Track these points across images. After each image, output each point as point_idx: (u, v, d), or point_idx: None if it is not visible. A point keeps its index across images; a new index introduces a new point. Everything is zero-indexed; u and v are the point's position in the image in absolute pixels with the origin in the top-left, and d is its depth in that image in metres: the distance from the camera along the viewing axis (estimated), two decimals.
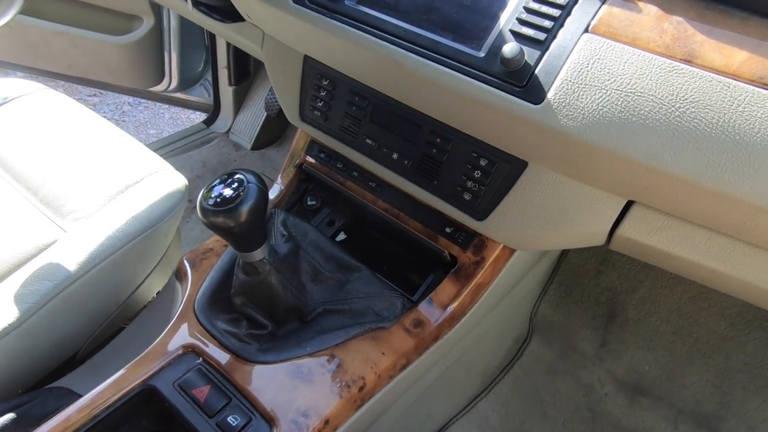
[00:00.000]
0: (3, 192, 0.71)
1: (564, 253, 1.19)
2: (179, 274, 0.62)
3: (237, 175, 0.45)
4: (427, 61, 0.53)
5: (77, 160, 0.75)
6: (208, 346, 0.52)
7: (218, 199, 0.43)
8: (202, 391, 0.47)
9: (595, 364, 1.10)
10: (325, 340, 0.57)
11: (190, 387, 0.48)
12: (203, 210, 0.43)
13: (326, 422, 0.49)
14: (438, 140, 0.61)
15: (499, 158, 0.57)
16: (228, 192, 0.43)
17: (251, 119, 1.67)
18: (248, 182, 0.44)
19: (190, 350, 0.52)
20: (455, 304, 0.65)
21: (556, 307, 1.17)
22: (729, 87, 0.41)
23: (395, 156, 0.66)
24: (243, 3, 0.69)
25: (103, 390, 0.47)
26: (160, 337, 0.52)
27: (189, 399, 0.47)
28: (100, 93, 2.52)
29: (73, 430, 0.43)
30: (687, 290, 1.09)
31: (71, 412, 0.44)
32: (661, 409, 1.03)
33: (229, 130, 1.70)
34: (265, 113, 1.60)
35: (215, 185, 0.44)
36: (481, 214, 0.61)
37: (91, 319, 0.62)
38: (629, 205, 0.53)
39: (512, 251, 0.67)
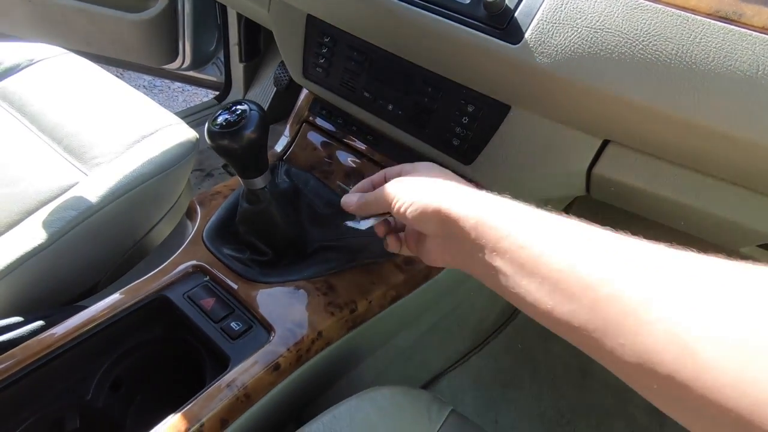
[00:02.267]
0: (31, 141, 0.77)
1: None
2: (189, 212, 0.68)
3: (240, 105, 0.50)
4: (417, 9, 0.57)
5: (98, 115, 0.81)
6: (214, 268, 0.57)
7: (224, 123, 0.48)
8: (209, 302, 0.53)
9: None
10: (321, 269, 0.62)
11: (198, 298, 0.53)
12: (210, 133, 0.49)
13: (319, 334, 0.54)
14: (429, 89, 0.66)
15: (484, 103, 0.62)
16: (231, 117, 0.48)
17: (261, 95, 1.72)
18: (250, 110, 0.49)
19: (198, 270, 0.57)
20: None
21: None
22: (688, 21, 0.44)
23: (390, 107, 0.70)
24: None
25: (120, 297, 0.52)
26: (173, 257, 0.57)
27: (197, 308, 0.52)
28: (120, 74, 2.61)
29: (92, 326, 0.49)
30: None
31: (93, 312, 0.50)
32: None
33: None
34: (275, 89, 1.66)
35: (220, 113, 0.49)
36: (468, 159, 0.65)
37: (110, 251, 0.68)
38: (605, 145, 0.57)
39: None
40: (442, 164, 0.69)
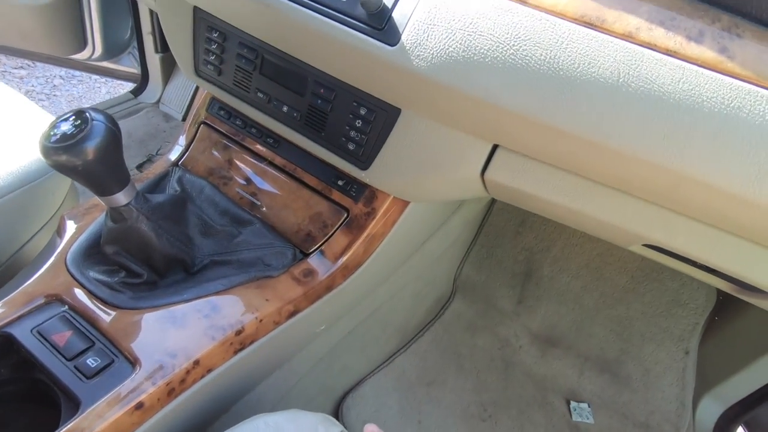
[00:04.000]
0: None
1: (485, 217, 1.24)
2: (59, 230, 0.61)
3: (84, 113, 0.43)
4: (294, 4, 0.53)
5: None
6: (74, 295, 0.51)
7: (59, 136, 0.42)
8: (63, 336, 0.47)
9: (512, 319, 1.16)
10: (205, 287, 0.57)
11: (50, 333, 0.47)
12: (44, 149, 0.42)
13: (196, 362, 0.50)
14: (322, 91, 0.62)
15: (377, 107, 0.59)
16: (68, 128, 0.42)
17: (182, 89, 1.61)
18: (93, 119, 0.43)
19: (54, 299, 0.51)
20: (347, 256, 0.67)
21: (479, 267, 1.21)
22: (555, 25, 0.43)
23: (285, 109, 0.66)
24: None
25: None
26: (23, 287, 0.50)
27: (47, 344, 0.46)
28: (29, 65, 2.37)
29: None
30: (595, 247, 1.16)
31: None
32: (569, 358, 1.11)
33: (158, 101, 1.63)
34: None
35: (58, 122, 0.43)
36: (365, 164, 0.62)
37: None
38: (495, 150, 0.56)
39: (405, 203, 0.69)
40: (343, 171, 0.66)
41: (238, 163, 0.74)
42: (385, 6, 0.49)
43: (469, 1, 0.45)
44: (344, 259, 0.67)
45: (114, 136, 0.44)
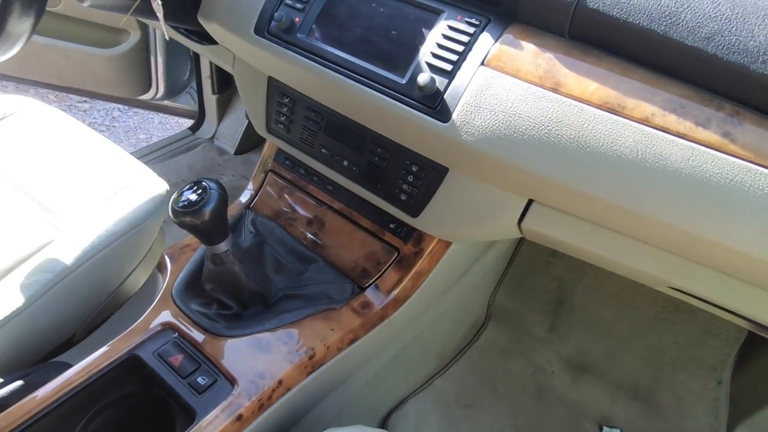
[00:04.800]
0: (6, 198, 0.81)
1: (517, 248, 1.31)
2: (160, 267, 0.73)
3: (202, 183, 0.56)
4: (361, 86, 0.64)
5: (71, 169, 0.85)
6: (182, 324, 0.63)
7: (186, 203, 0.54)
8: (177, 359, 0.58)
9: (544, 346, 1.22)
10: (282, 318, 0.68)
11: (167, 355, 0.59)
12: (174, 211, 0.54)
13: (280, 382, 0.60)
14: (379, 150, 0.73)
15: (427, 165, 0.69)
16: (193, 197, 0.54)
17: (234, 126, 1.77)
18: (210, 188, 0.55)
19: (168, 327, 0.63)
20: (398, 290, 0.77)
21: (511, 295, 1.28)
22: (582, 110, 0.52)
23: (345, 163, 0.77)
24: (214, 31, 0.80)
25: (95, 358, 0.57)
26: (143, 316, 0.62)
27: (166, 365, 0.58)
28: (91, 99, 2.61)
29: (71, 388, 0.54)
30: (625, 278, 1.21)
31: (71, 374, 0.55)
32: (602, 385, 1.16)
33: (213, 136, 1.80)
34: (247, 120, 1.71)
35: (184, 191, 0.55)
36: (415, 212, 0.72)
37: (85, 307, 0.73)
38: (530, 203, 0.65)
39: (449, 243, 0.78)
40: (394, 216, 0.77)
41: (301, 206, 0.86)
42: (438, 89, 0.59)
43: (510, 88, 0.55)
44: (395, 292, 0.77)
45: (224, 202, 0.56)
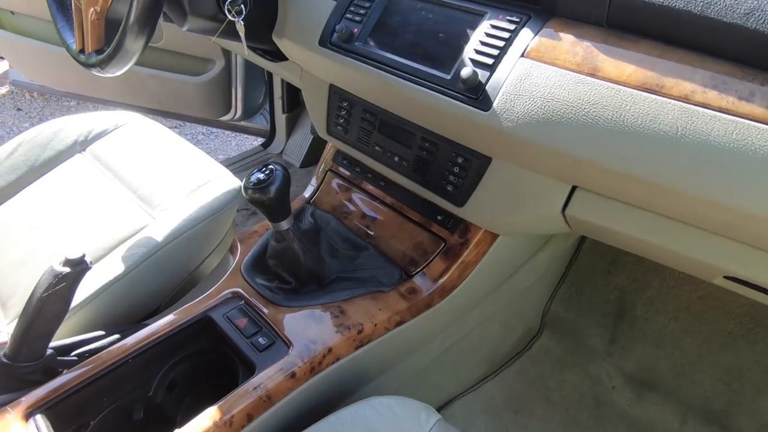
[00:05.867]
0: (114, 191, 0.97)
1: (574, 256, 1.28)
2: (232, 249, 0.83)
3: (269, 165, 0.64)
4: (411, 84, 0.70)
5: (164, 169, 1.00)
6: (248, 294, 0.71)
7: (255, 181, 0.63)
8: (242, 322, 0.66)
9: (604, 359, 1.16)
10: (335, 296, 0.74)
11: (235, 318, 0.67)
12: (245, 188, 0.64)
13: (330, 350, 0.66)
14: (427, 144, 0.78)
15: (471, 155, 0.73)
16: (262, 176, 0.63)
17: (300, 141, 1.93)
18: (276, 170, 0.63)
19: (236, 296, 0.71)
20: (445, 278, 0.80)
21: (568, 305, 1.25)
22: (620, 92, 0.54)
23: (396, 158, 0.83)
24: (285, 47, 0.91)
25: (176, 316, 0.67)
26: (216, 285, 0.72)
27: (233, 326, 0.66)
28: (181, 124, 2.96)
29: (155, 337, 0.63)
30: (695, 289, 1.13)
31: (156, 327, 0.65)
32: (669, 404, 1.07)
33: (282, 151, 1.97)
34: (312, 136, 1.86)
35: (254, 172, 0.64)
36: (460, 202, 0.76)
37: (170, 281, 0.84)
38: (574, 190, 0.66)
39: (495, 236, 0.80)
40: (442, 207, 0.81)
41: (356, 201, 0.93)
42: (480, 81, 0.64)
43: (548, 76, 0.58)
44: (442, 281, 0.80)
45: (287, 182, 0.64)
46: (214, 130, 2.94)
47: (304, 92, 1.00)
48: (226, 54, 1.68)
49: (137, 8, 0.65)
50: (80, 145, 1.08)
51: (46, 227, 0.89)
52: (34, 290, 0.57)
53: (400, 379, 0.90)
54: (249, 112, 1.97)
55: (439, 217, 0.83)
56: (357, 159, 0.93)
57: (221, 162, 1.96)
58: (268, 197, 0.63)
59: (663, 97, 0.52)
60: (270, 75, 1.84)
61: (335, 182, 0.97)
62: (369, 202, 0.92)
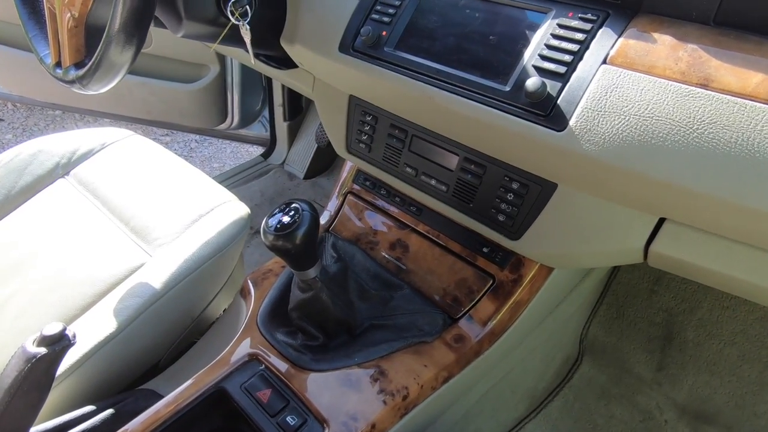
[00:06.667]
0: (102, 222, 0.84)
1: (613, 274, 1.17)
2: (243, 292, 0.71)
3: (294, 204, 0.52)
4: (458, 96, 0.58)
5: (160, 195, 0.87)
6: (269, 355, 0.59)
7: (278, 225, 0.51)
8: (265, 394, 0.54)
9: (652, 388, 1.06)
10: (371, 352, 0.62)
11: (255, 390, 0.55)
12: (266, 234, 0.51)
13: (373, 426, 0.54)
14: (472, 166, 0.66)
15: (530, 181, 0.61)
16: (286, 219, 0.51)
17: (303, 151, 1.80)
18: (303, 210, 0.51)
19: (254, 358, 0.59)
20: (495, 321, 0.68)
21: (608, 328, 1.14)
22: (746, 107, 0.42)
23: (433, 182, 0.71)
24: (297, 54, 0.79)
25: (182, 391, 0.55)
26: (229, 346, 0.59)
27: (254, 400, 0.54)
28: (172, 132, 2.82)
29: (160, 422, 0.51)
30: (752, 311, 1.03)
31: (159, 407, 0.52)
32: None
33: (284, 162, 1.84)
34: (316, 145, 1.73)
35: (276, 213, 0.52)
36: (516, 234, 0.64)
37: (171, 332, 0.72)
38: (661, 222, 0.55)
39: (550, 270, 0.69)
40: (488, 238, 0.69)
41: (383, 229, 0.81)
42: (549, 94, 0.52)
43: (644, 87, 0.47)
44: (492, 324, 0.68)
45: (316, 224, 0.52)
46: (209, 137, 2.80)
47: (318, 104, 0.88)
48: (221, 58, 1.55)
49: (123, 12, 0.53)
50: (63, 169, 0.95)
51: (22, 269, 0.76)
52: (0, 377, 0.44)
53: None
54: (246, 120, 1.84)
55: (485, 249, 0.71)
56: (383, 180, 0.81)
57: (219, 174, 1.83)
58: (294, 244, 0.50)
59: None
60: (269, 80, 1.71)
61: (357, 206, 0.85)
62: (398, 230, 0.80)
